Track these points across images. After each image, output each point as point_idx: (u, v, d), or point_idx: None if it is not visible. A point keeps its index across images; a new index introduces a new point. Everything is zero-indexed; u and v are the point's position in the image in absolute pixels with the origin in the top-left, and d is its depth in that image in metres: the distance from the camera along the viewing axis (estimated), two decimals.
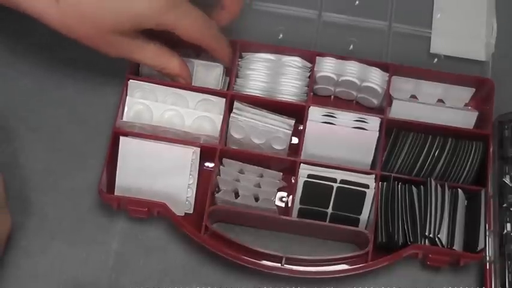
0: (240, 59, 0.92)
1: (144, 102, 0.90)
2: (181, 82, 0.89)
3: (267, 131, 0.88)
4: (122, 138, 0.88)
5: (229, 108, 0.89)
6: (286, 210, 0.89)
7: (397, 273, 0.88)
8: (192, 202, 0.89)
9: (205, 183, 0.88)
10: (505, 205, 0.87)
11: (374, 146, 0.89)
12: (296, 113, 0.89)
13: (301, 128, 0.89)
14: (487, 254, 0.86)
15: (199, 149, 0.88)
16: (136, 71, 0.91)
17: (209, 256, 0.87)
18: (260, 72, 0.91)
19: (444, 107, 0.93)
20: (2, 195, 0.84)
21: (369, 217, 0.87)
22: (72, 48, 0.96)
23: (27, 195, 0.90)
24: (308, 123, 0.88)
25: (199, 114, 0.90)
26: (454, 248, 0.85)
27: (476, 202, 0.87)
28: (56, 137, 0.93)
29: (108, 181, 0.88)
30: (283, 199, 0.90)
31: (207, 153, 0.88)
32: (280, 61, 0.91)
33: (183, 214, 0.89)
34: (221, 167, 0.89)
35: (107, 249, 0.89)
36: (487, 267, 0.86)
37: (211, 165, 0.90)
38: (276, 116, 0.89)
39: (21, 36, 0.97)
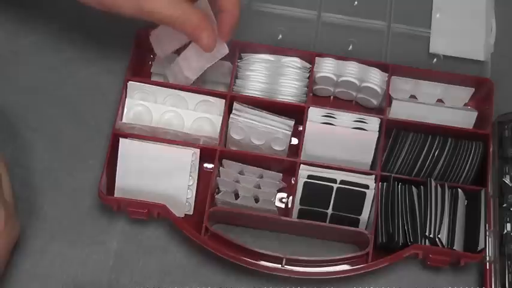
0: (239, 60, 0.91)
1: (143, 104, 0.90)
2: (205, 40, 0.82)
3: (267, 131, 0.88)
4: (121, 140, 0.88)
5: (228, 109, 0.89)
6: (286, 211, 0.89)
7: (397, 273, 0.88)
8: (192, 203, 0.89)
9: (205, 184, 0.88)
10: (505, 205, 0.87)
11: (374, 147, 0.89)
12: (296, 113, 0.89)
13: (301, 128, 0.89)
14: (487, 254, 0.86)
15: (199, 150, 0.88)
16: (136, 71, 0.91)
17: (209, 257, 0.87)
18: (259, 73, 0.91)
19: (444, 107, 0.93)
20: (9, 200, 0.83)
21: (369, 217, 0.87)
22: (72, 48, 0.96)
23: (28, 194, 0.90)
24: (308, 123, 0.88)
25: (198, 116, 0.90)
26: (454, 248, 0.85)
27: (476, 202, 0.87)
28: (57, 137, 0.93)
29: (108, 182, 0.88)
30: (283, 200, 0.90)
31: (206, 154, 0.88)
32: (279, 62, 0.91)
33: (183, 215, 0.89)
34: (221, 168, 0.89)
35: (107, 249, 0.89)
36: (487, 267, 0.86)
37: (211, 166, 0.90)
38: (275, 117, 0.89)
39: (22, 36, 0.97)
